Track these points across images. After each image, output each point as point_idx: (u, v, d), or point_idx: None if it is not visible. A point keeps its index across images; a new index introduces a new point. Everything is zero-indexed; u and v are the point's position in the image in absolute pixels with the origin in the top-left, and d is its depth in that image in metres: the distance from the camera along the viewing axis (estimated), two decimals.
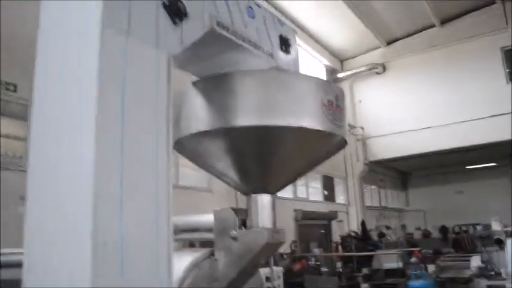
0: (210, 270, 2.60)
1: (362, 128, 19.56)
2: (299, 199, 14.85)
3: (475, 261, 8.36)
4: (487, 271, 7.39)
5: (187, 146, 2.44)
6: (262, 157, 2.33)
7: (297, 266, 10.47)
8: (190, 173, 11.46)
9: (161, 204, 1.58)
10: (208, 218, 2.84)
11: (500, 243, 9.43)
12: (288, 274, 8.88)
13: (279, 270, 4.38)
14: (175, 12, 1.76)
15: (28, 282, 1.54)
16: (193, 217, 2.98)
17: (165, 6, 1.73)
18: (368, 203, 20.75)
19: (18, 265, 3.18)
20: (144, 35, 1.62)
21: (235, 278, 2.55)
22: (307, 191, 15.88)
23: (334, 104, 2.33)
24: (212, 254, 2.68)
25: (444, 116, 17.50)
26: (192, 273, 2.50)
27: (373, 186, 22.61)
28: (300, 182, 15.43)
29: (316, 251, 14.35)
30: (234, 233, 2.51)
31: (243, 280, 2.66)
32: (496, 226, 11.02)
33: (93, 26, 1.50)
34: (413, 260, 10.58)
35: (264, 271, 3.05)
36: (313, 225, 15.09)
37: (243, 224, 2.56)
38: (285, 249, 11.15)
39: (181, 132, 2.34)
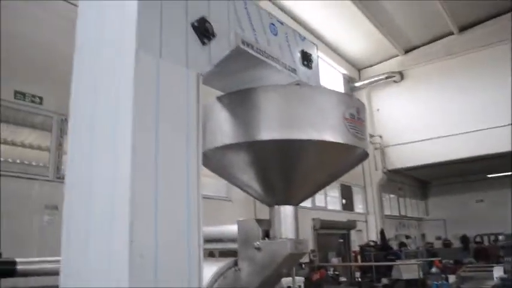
0: (233, 280, 2.66)
1: (380, 137, 19.47)
2: (317, 208, 14.81)
3: (498, 272, 8.23)
4: (510, 282, 7.27)
5: (212, 159, 2.51)
6: (285, 170, 2.39)
7: (315, 276, 10.45)
8: (209, 181, 11.57)
9: (192, 215, 1.65)
10: (231, 229, 2.91)
11: None
12: (306, 284, 8.88)
13: (300, 279, 4.40)
14: (204, 32, 1.85)
15: None
16: (216, 228, 3.05)
17: (194, 27, 1.82)
18: (387, 212, 20.56)
19: (36, 273, 3.28)
20: (175, 55, 1.71)
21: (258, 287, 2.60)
22: (326, 200, 15.83)
23: (355, 117, 2.39)
24: (236, 263, 2.74)
25: (463, 124, 17.33)
26: (217, 282, 2.57)
27: (392, 195, 22.41)
28: (319, 192, 15.44)
29: (335, 260, 14.28)
30: (257, 243, 2.57)
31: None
32: None
33: (128, 47, 1.59)
34: (433, 270, 10.45)
35: (285, 280, 3.09)
36: (332, 235, 15.01)
37: (266, 234, 2.62)
38: (303, 258, 11.13)
39: (206, 145, 2.41)
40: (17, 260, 3.23)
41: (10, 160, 7.09)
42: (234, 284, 2.66)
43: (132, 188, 1.44)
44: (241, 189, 2.79)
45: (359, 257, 15.26)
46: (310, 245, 12.75)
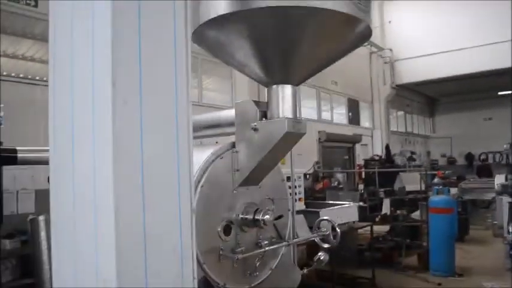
0: (231, 161, 2.66)
1: (390, 50, 18.90)
2: (323, 121, 14.81)
3: (499, 179, 8.34)
4: (511, 189, 7.38)
5: (207, 35, 2.39)
6: (283, 43, 2.27)
7: (319, 185, 10.65)
8: (215, 95, 11.51)
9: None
10: (229, 113, 2.87)
11: None
12: (310, 193, 9.08)
13: (299, 171, 4.47)
14: None
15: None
16: (215, 113, 3.01)
17: None
18: (393, 128, 20.56)
19: (36, 162, 3.32)
20: None
21: (255, 169, 2.60)
22: (332, 114, 15.78)
23: None
24: (233, 146, 2.73)
25: (477, 37, 16.65)
26: (214, 163, 2.56)
27: (399, 112, 22.28)
28: (325, 105, 15.30)
29: (340, 175, 14.50)
30: (254, 124, 2.53)
31: (264, 171, 2.72)
32: None
33: None
34: (436, 180, 10.58)
35: (284, 171, 3.09)
36: (337, 148, 15.15)
37: (264, 116, 2.56)
38: (307, 169, 11.29)
39: (200, 19, 2.28)
40: (18, 148, 3.27)
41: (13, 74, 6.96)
42: (232, 165, 2.66)
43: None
44: (238, 69, 2.69)
45: (363, 171, 15.45)
46: (315, 157, 12.90)
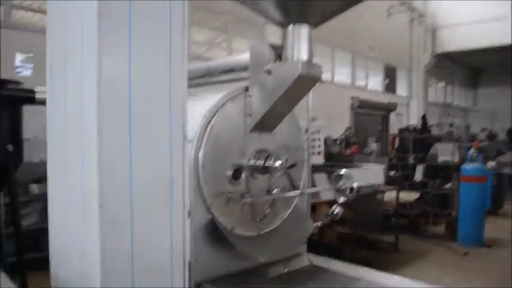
0: (243, 105, 2.59)
1: (432, 16, 18.00)
2: (357, 87, 14.43)
3: None
4: None
5: None
6: None
7: (348, 151, 10.48)
8: None
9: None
10: (244, 57, 2.78)
11: None
12: (338, 159, 8.93)
13: (319, 124, 4.34)
14: None
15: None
16: (228, 58, 2.92)
17: None
18: (431, 99, 19.84)
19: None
20: None
21: (268, 114, 2.52)
22: (367, 80, 15.32)
23: None
24: (246, 90, 2.65)
25: None
26: (225, 105, 2.50)
27: (439, 83, 21.43)
28: (360, 70, 14.86)
29: (374, 145, 14.18)
30: (268, 66, 2.43)
31: (277, 117, 2.64)
32: None
33: None
34: (471, 151, 10.18)
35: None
36: (371, 115, 14.79)
37: (279, 58, 2.46)
38: (338, 135, 11.14)
39: None
40: (36, 89, 3.34)
41: None
42: (244, 110, 2.60)
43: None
44: (252, 9, 2.58)
45: (397, 140, 15.05)
46: (347, 123, 12.67)
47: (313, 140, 4.23)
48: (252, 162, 2.59)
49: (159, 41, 1.46)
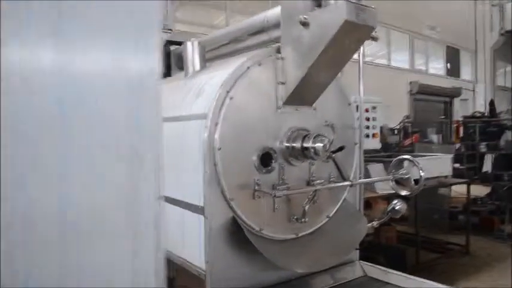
0: (273, 70, 2.01)
1: None
2: (416, 71, 13.28)
3: None
4: None
5: None
6: None
7: (408, 141, 9.61)
8: None
9: None
10: (275, 12, 2.18)
11: None
12: (397, 150, 8.15)
13: (375, 99, 3.64)
14: None
15: None
16: (257, 16, 2.32)
17: None
18: (500, 83, 18.12)
19: None
20: None
21: (306, 80, 1.92)
22: (427, 63, 14.12)
23: None
24: (278, 51, 2.07)
25: None
26: (251, 70, 1.92)
27: (508, 66, 19.57)
28: (419, 52, 13.71)
29: (434, 137, 13.07)
30: (304, 16, 1.82)
31: (318, 86, 2.03)
32: None
33: None
34: None
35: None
36: (432, 102, 13.63)
37: (318, 5, 1.85)
38: (396, 124, 10.25)
39: None
40: None
41: None
42: (275, 76, 2.01)
43: None
44: None
45: (461, 129, 13.84)
46: (406, 111, 11.69)
47: (367, 119, 3.52)
48: (286, 144, 2.01)
49: None
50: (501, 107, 16.75)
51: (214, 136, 1.84)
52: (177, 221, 2.12)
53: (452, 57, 15.67)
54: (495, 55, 17.12)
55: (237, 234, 1.90)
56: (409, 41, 13.28)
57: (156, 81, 0.95)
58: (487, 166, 9.02)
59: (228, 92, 1.87)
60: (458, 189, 6.36)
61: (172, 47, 3.10)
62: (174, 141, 2.10)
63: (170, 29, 3.39)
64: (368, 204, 4.06)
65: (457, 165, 8.94)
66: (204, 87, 2.04)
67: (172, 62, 3.06)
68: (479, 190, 8.22)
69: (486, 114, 14.58)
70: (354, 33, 1.78)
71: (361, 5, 1.72)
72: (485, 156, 8.37)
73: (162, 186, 0.96)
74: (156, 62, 0.95)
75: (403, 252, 4.82)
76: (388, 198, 4.17)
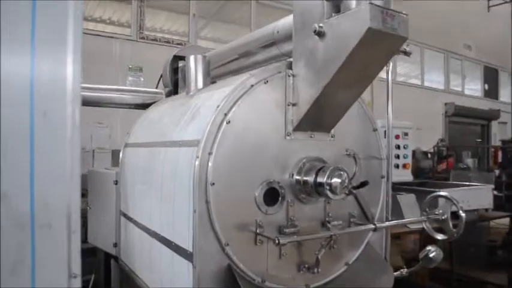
0: (284, 90, 1.67)
1: None
2: (452, 91, 12.69)
3: None
4: None
5: None
6: None
7: (442, 166, 9.08)
8: None
9: None
10: (287, 21, 1.86)
11: None
12: (430, 175, 7.65)
13: (405, 124, 3.19)
14: None
15: None
16: (266, 27, 2.00)
17: None
18: None
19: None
20: None
21: (321, 101, 1.58)
22: (463, 84, 13.49)
23: None
24: (290, 67, 1.74)
25: None
26: (254, 89, 1.60)
27: None
28: (454, 73, 13.14)
29: (470, 161, 12.38)
30: (320, 25, 1.49)
31: (337, 108, 1.68)
32: None
33: None
34: None
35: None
36: (468, 124, 12.99)
37: (337, 11, 1.51)
38: (429, 148, 9.75)
39: None
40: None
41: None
42: (285, 96, 1.67)
43: None
44: None
45: (500, 154, 13.11)
46: (440, 134, 11.12)
47: (397, 146, 3.11)
48: (296, 177, 1.66)
49: None
50: None
51: (207, 168, 1.51)
52: (167, 264, 1.80)
53: (491, 77, 15.03)
54: None
55: (233, 287, 1.56)
56: (445, 59, 12.76)
57: None
58: None
59: (225, 114, 1.55)
60: (499, 221, 5.81)
61: (181, 63, 2.83)
62: (170, 168, 1.80)
63: (180, 44, 3.13)
64: (396, 234, 3.65)
65: (494, 192, 8.34)
66: (200, 108, 1.73)
67: (180, 79, 2.78)
68: None
69: None
70: (380, 45, 1.43)
71: (388, 9, 1.38)
72: None
73: None
74: None
75: None
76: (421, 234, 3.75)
